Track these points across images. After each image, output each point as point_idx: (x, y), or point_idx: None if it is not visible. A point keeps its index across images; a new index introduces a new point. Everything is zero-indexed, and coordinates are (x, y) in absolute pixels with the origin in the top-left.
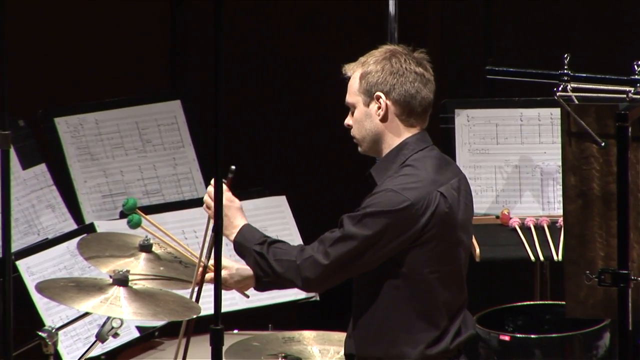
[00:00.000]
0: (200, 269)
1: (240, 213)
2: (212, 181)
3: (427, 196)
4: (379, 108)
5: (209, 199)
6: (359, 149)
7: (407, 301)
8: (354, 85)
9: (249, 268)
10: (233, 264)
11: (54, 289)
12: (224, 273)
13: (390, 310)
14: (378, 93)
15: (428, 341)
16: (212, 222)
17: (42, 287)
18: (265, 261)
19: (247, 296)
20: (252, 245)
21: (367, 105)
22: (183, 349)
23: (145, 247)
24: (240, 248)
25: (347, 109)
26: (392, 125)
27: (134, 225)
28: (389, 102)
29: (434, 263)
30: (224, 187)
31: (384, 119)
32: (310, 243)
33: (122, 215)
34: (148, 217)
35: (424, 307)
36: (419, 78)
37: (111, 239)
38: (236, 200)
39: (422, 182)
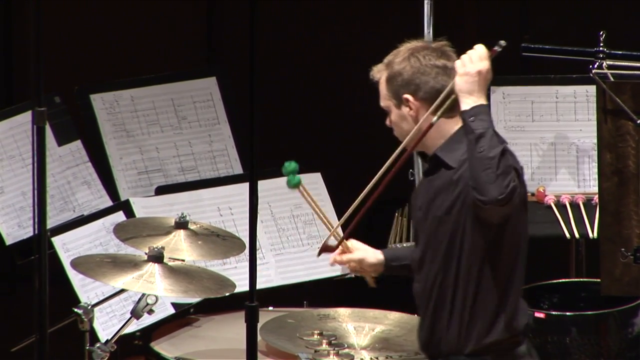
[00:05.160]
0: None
1: (486, 89)
2: (480, 46)
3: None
4: (410, 109)
5: (466, 59)
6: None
7: (498, 281)
8: (383, 89)
9: (378, 252)
10: (365, 246)
11: (88, 264)
12: (359, 254)
13: (485, 294)
14: (405, 95)
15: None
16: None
17: (76, 263)
18: (492, 146)
19: (375, 284)
20: (490, 126)
21: (399, 108)
22: None
23: (182, 224)
24: (475, 119)
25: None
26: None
27: (295, 185)
28: (417, 103)
29: (517, 241)
30: (486, 54)
31: (417, 119)
32: (345, 222)
33: (158, 192)
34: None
35: (506, 286)
36: (441, 71)
37: (146, 222)
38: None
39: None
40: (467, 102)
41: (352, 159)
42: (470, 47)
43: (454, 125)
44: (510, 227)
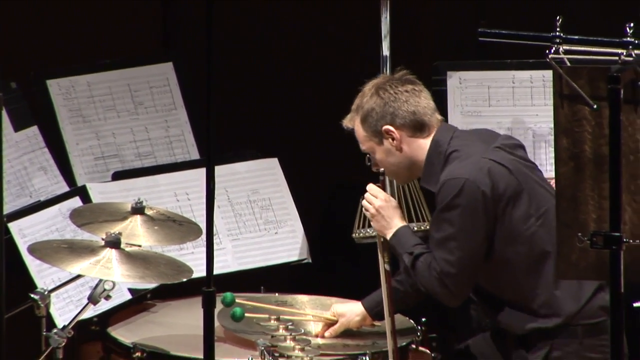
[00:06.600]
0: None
1: (397, 213)
2: (369, 186)
3: (478, 166)
4: (393, 139)
5: (366, 204)
6: (400, 183)
7: (534, 258)
8: (360, 133)
9: (358, 305)
10: (344, 308)
11: (45, 250)
12: (342, 322)
13: (526, 275)
14: (385, 127)
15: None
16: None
17: (33, 249)
18: (407, 275)
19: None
20: (403, 252)
21: (382, 143)
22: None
23: (138, 210)
24: (394, 251)
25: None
26: (413, 146)
27: (239, 318)
28: (398, 130)
29: (531, 214)
30: (379, 188)
31: (401, 148)
32: (302, 205)
33: (114, 177)
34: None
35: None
36: (410, 93)
37: (103, 207)
38: (392, 200)
39: (470, 158)
40: (388, 238)
41: (309, 144)
42: (427, 33)
43: (424, 144)
44: (520, 206)
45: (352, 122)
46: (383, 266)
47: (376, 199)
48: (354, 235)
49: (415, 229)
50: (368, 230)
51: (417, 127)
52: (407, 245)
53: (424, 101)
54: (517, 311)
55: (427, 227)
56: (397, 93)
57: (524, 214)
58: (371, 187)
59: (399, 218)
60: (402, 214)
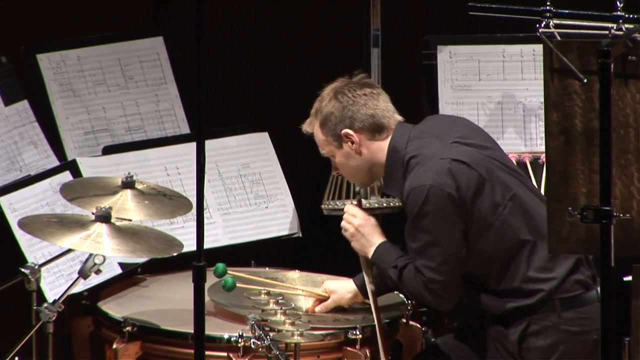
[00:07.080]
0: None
1: (376, 230)
2: (347, 207)
3: (438, 169)
4: (352, 143)
5: (346, 224)
6: (362, 186)
7: (510, 247)
8: (320, 137)
9: (350, 282)
10: (336, 285)
11: (36, 224)
12: (334, 299)
13: (500, 262)
14: (344, 131)
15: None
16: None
17: (24, 223)
18: (395, 285)
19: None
20: (387, 267)
21: (341, 147)
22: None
23: (129, 184)
24: (378, 268)
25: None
26: (372, 148)
27: (230, 288)
28: (357, 134)
29: (497, 203)
30: (357, 207)
31: (361, 151)
32: (292, 179)
33: (105, 152)
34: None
35: (523, 238)
36: (369, 97)
37: (93, 182)
38: (371, 218)
39: (429, 162)
40: (370, 256)
41: (299, 119)
42: (418, 7)
43: (384, 145)
44: (484, 199)
45: (312, 126)
46: (369, 286)
47: (355, 218)
48: (323, 206)
49: (384, 205)
50: (337, 202)
51: (376, 130)
52: (389, 260)
53: (382, 104)
54: (497, 294)
55: (398, 203)
56: (356, 97)
57: (490, 204)
58: (349, 208)
59: (378, 235)
60: (381, 231)
